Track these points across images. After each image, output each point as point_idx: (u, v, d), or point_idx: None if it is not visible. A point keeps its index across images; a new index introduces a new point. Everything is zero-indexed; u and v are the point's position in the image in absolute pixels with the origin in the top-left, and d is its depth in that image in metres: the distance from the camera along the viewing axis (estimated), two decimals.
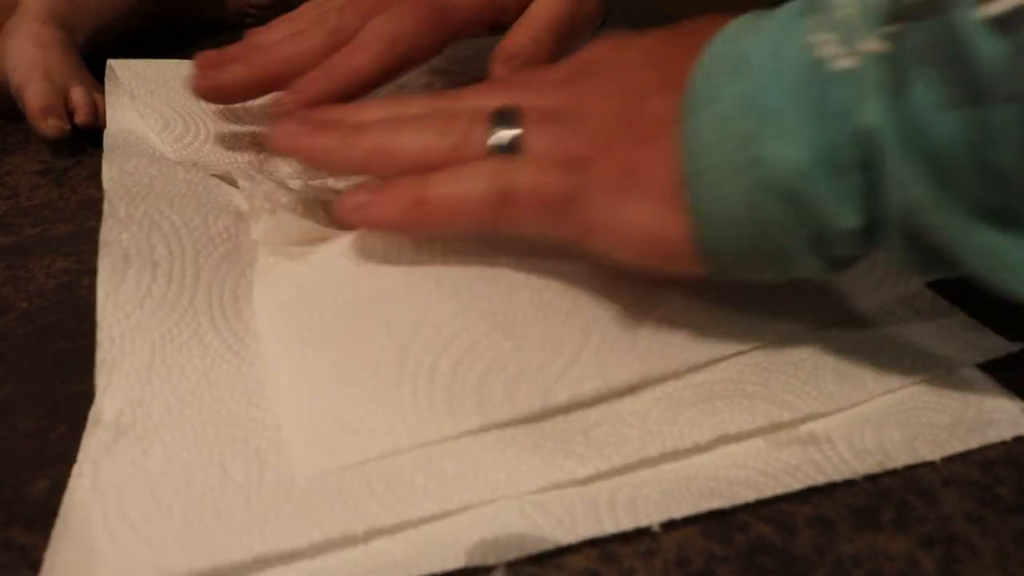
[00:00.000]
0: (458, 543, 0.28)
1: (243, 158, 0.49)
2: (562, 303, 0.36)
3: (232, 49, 0.48)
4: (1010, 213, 0.27)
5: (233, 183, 0.45)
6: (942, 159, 0.27)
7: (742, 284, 0.34)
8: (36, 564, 0.28)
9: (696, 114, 0.30)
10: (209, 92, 0.46)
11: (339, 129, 0.37)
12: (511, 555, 0.28)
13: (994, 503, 0.31)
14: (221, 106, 0.52)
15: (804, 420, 0.34)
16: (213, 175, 0.46)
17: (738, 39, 0.31)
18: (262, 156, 0.49)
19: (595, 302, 0.36)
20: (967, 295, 0.39)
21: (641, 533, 0.29)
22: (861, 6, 0.29)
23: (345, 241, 0.38)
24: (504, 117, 0.35)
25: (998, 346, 0.38)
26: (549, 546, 0.29)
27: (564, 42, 0.45)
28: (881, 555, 0.29)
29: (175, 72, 0.55)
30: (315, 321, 0.36)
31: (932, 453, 0.33)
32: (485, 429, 0.32)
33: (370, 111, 0.39)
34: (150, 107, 0.52)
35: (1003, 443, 0.33)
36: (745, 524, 0.30)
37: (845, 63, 0.28)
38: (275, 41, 0.47)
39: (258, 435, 0.32)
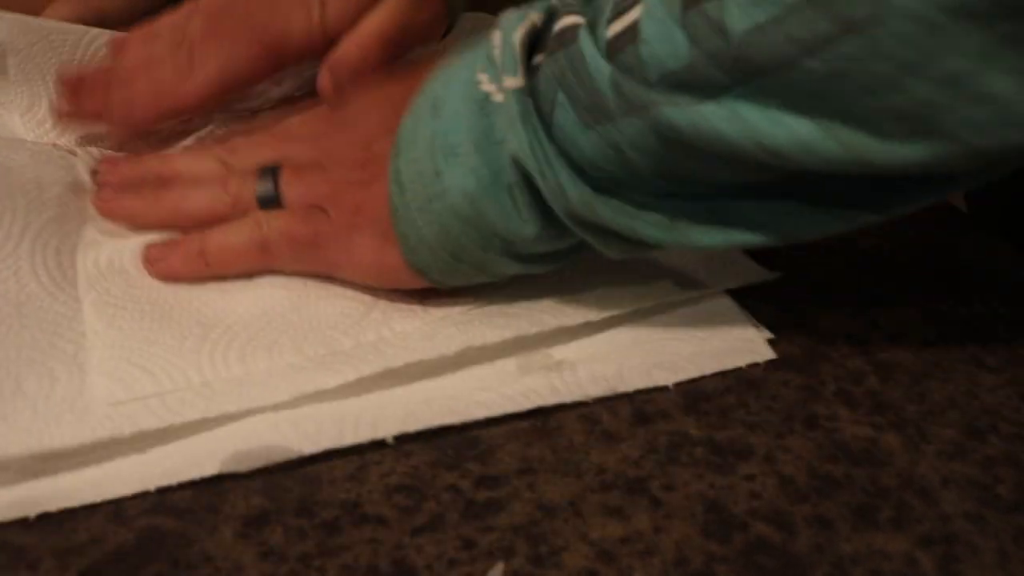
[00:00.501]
0: (215, 454, 0.32)
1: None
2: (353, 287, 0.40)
3: (92, 76, 0.49)
4: (661, 192, 0.32)
5: (74, 153, 0.48)
6: (593, 167, 0.32)
7: None
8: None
9: (400, 155, 0.35)
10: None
11: (143, 192, 0.43)
12: (259, 463, 0.32)
13: (994, 502, 0.31)
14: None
15: (552, 341, 0.37)
16: (61, 147, 0.49)
17: (440, 79, 0.35)
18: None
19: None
20: None
21: (640, 533, 0.29)
22: (506, 45, 0.33)
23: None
24: (266, 173, 0.40)
25: (755, 273, 0.41)
26: (294, 455, 0.32)
27: (393, 53, 0.46)
28: (880, 555, 0.29)
29: (60, 38, 0.53)
30: (133, 294, 0.39)
31: (667, 379, 0.36)
32: (273, 372, 0.35)
33: (176, 163, 0.45)
34: (23, 77, 0.52)
35: (1003, 442, 0.33)
36: (744, 524, 0.30)
37: (498, 98, 0.33)
38: (134, 70, 0.48)
39: (55, 360, 0.35)
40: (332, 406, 0.34)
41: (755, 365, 0.37)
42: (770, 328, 0.39)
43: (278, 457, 0.32)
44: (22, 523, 0.30)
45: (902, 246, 0.46)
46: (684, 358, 0.37)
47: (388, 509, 0.31)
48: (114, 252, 0.42)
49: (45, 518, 0.30)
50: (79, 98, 0.48)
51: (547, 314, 0.38)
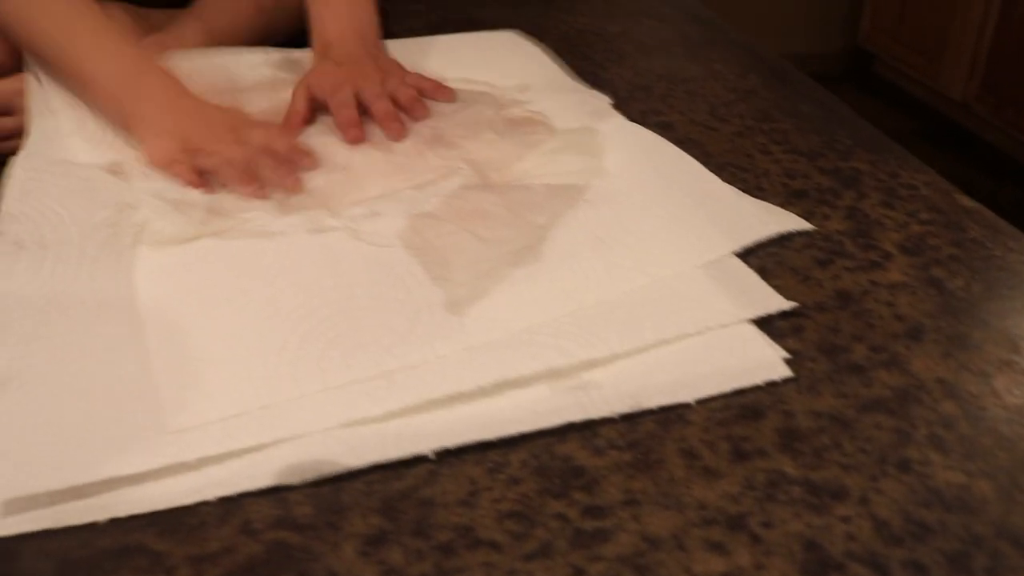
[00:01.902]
0: (269, 467, 0.34)
1: (137, 160, 0.55)
2: (395, 294, 0.43)
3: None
4: None
5: (121, 174, 0.53)
6: None
7: (563, 277, 0.44)
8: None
9: None
10: None
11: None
12: (310, 476, 0.34)
13: None
14: None
15: (582, 367, 0.39)
16: (107, 171, 0.53)
17: None
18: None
19: (422, 293, 0.43)
20: (773, 271, 0.47)
21: (742, 569, 0.31)
22: None
23: (211, 243, 0.47)
24: None
25: (775, 303, 0.43)
26: (340, 469, 0.34)
27: None
28: None
29: None
30: (186, 310, 0.43)
31: (690, 396, 0.38)
32: (324, 391, 0.38)
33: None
34: (68, 104, 0.58)
35: None
36: (841, 565, 0.31)
37: None
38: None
39: (119, 384, 0.38)
40: (376, 424, 0.36)
41: (848, 407, 0.38)
42: (861, 370, 0.40)
43: (327, 471, 0.34)
44: (159, 530, 0.33)
45: (989, 287, 0.46)
46: (705, 377, 0.39)
47: (500, 534, 0.32)
48: (166, 272, 0.45)
49: (179, 526, 0.33)
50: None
51: (575, 344, 0.40)
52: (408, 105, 0.60)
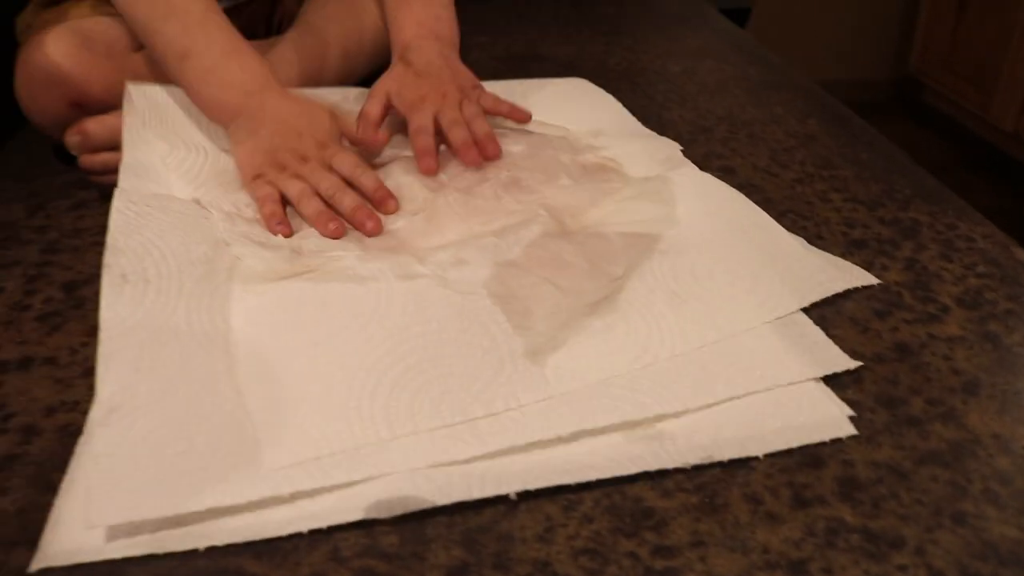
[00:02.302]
0: (359, 503, 0.37)
1: (228, 195, 0.59)
2: (481, 341, 0.45)
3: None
4: None
5: (213, 210, 0.56)
6: None
7: (638, 329, 0.46)
8: None
9: None
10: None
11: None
12: (397, 512, 0.36)
13: None
14: (222, 137, 0.63)
15: (656, 419, 0.41)
16: (201, 206, 0.57)
17: None
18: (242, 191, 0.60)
19: (507, 343, 0.45)
20: (833, 320, 0.49)
21: None
22: None
23: (303, 284, 0.50)
24: None
25: (841, 362, 0.45)
26: (427, 506, 0.37)
27: None
28: None
29: (185, 97, 0.64)
30: (279, 348, 0.45)
31: (758, 450, 0.40)
32: (416, 434, 0.40)
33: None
34: (159, 132, 0.62)
35: None
36: None
37: None
38: None
39: (217, 417, 0.40)
40: (461, 465, 0.39)
41: (905, 458, 0.40)
42: (918, 422, 0.42)
43: (414, 507, 0.37)
44: (255, 552, 0.35)
45: None
46: (773, 432, 0.41)
47: (575, 570, 0.35)
48: (260, 309, 0.48)
49: (272, 551, 0.35)
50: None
51: (650, 397, 0.42)
52: (483, 140, 0.62)
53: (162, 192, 0.58)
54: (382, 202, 0.58)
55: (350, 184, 0.58)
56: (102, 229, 0.61)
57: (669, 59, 0.91)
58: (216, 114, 0.62)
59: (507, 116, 0.65)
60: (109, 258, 0.50)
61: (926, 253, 0.56)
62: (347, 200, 0.56)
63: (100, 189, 0.65)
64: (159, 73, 0.68)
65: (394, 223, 0.56)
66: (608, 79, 0.83)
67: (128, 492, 0.36)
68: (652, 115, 0.74)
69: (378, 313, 0.48)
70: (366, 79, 0.76)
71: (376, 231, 0.55)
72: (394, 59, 0.69)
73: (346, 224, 0.56)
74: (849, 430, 0.41)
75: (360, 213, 0.56)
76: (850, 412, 0.42)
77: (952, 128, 3.15)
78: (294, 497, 0.37)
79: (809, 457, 0.40)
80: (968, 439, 0.41)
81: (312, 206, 0.56)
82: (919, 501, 0.38)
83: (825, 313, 0.49)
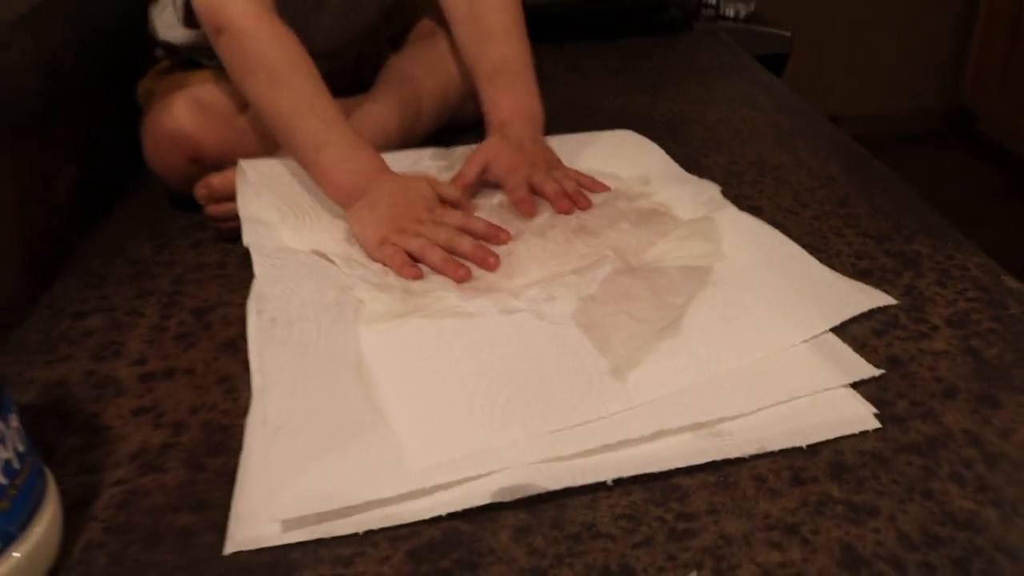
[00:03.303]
0: (487, 490, 0.46)
1: (339, 247, 0.70)
2: (574, 363, 0.56)
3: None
4: None
5: (333, 262, 0.66)
6: None
7: (699, 349, 0.56)
8: None
9: None
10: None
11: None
12: (518, 496, 0.46)
13: None
14: (324, 200, 0.74)
15: (718, 421, 0.51)
16: (321, 257, 0.67)
17: None
18: (351, 244, 0.71)
19: (594, 363, 0.55)
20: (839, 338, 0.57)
21: (793, 561, 0.42)
22: None
23: (419, 321, 0.60)
24: None
25: (866, 371, 0.55)
26: (540, 491, 0.46)
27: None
28: None
29: (290, 168, 0.76)
30: (407, 374, 0.56)
31: (803, 441, 0.50)
32: (530, 438, 0.50)
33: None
34: (268, 198, 0.73)
35: None
36: (869, 562, 0.42)
37: None
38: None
39: (365, 430, 0.50)
40: (566, 460, 0.48)
41: (887, 448, 0.49)
42: (901, 420, 0.51)
43: (530, 492, 0.46)
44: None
45: (1020, 356, 0.56)
46: (814, 427, 0.50)
47: (615, 529, 0.44)
48: (388, 343, 0.58)
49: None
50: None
51: (712, 404, 0.52)
52: (574, 194, 0.73)
53: (285, 246, 0.69)
54: (495, 237, 0.69)
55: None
56: (219, 264, 0.73)
57: (708, 108, 1.00)
58: (343, 196, 0.72)
59: (588, 187, 0.76)
60: (260, 304, 0.61)
61: (923, 280, 0.65)
62: (465, 244, 0.67)
63: (215, 230, 0.77)
64: (261, 133, 0.81)
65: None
66: (652, 128, 0.93)
67: (301, 492, 0.46)
68: (691, 161, 0.84)
69: (488, 342, 0.57)
70: (451, 125, 0.87)
71: (496, 265, 0.66)
72: (490, 133, 0.80)
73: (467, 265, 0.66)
74: (874, 424, 0.51)
75: (480, 252, 0.66)
76: (874, 410, 0.51)
77: (1006, 157, 3.18)
78: (434, 490, 0.47)
79: (808, 446, 0.49)
80: (942, 433, 0.50)
81: (437, 256, 0.66)
82: (895, 481, 0.47)
83: (834, 332, 0.59)
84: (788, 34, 1.40)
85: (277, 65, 0.73)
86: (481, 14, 0.85)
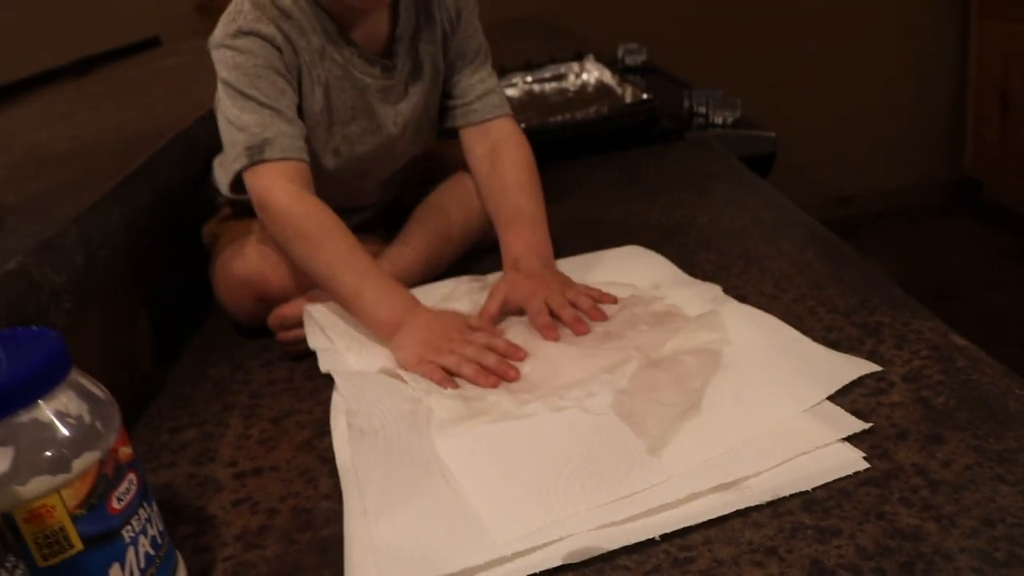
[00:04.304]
0: (558, 554, 0.57)
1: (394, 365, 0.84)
2: (617, 446, 0.66)
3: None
4: None
5: (402, 379, 0.80)
6: None
7: (717, 424, 0.67)
8: None
9: None
10: None
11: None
12: (584, 557, 0.56)
13: (993, 562, 0.52)
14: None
15: (740, 480, 0.62)
16: (391, 375, 0.81)
17: None
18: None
19: (634, 445, 0.67)
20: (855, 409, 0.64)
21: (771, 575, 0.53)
22: None
23: (482, 425, 0.72)
24: None
25: (857, 426, 0.66)
26: (602, 551, 0.56)
27: None
28: None
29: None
30: (480, 466, 0.67)
31: (807, 486, 0.60)
32: (588, 509, 0.61)
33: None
34: (334, 334, 0.88)
35: (1008, 529, 0.55)
36: (833, 571, 0.53)
37: None
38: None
39: (448, 514, 0.62)
40: (618, 525, 0.59)
41: (849, 483, 0.60)
42: (868, 460, 0.62)
43: (594, 553, 0.57)
44: None
45: (962, 402, 0.67)
46: (818, 473, 0.62)
47: (631, 562, 0.55)
48: (459, 444, 0.70)
49: None
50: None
51: (734, 468, 0.63)
52: (588, 311, 0.87)
53: (356, 369, 0.83)
54: (514, 354, 0.82)
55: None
56: (288, 379, 0.86)
57: (699, 212, 1.14)
58: (383, 331, 0.87)
59: (599, 300, 0.89)
60: (349, 419, 0.74)
61: (884, 345, 0.76)
62: (490, 359, 0.80)
63: (283, 352, 0.91)
64: None
65: (531, 374, 0.80)
66: (651, 233, 1.06)
67: (404, 565, 0.58)
68: (684, 260, 0.97)
69: (544, 436, 0.69)
70: (477, 247, 1.02)
71: (516, 378, 0.79)
72: (506, 269, 0.95)
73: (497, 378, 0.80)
74: (864, 465, 0.62)
75: (503, 366, 0.80)
76: (863, 454, 0.63)
77: (1016, 220, 3.28)
78: (514, 556, 0.58)
79: None
80: (895, 468, 0.61)
81: (469, 369, 0.79)
82: (855, 507, 0.58)
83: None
84: (772, 135, 1.54)
85: (312, 234, 0.88)
86: (501, 172, 1.01)
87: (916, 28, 3.54)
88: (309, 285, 0.94)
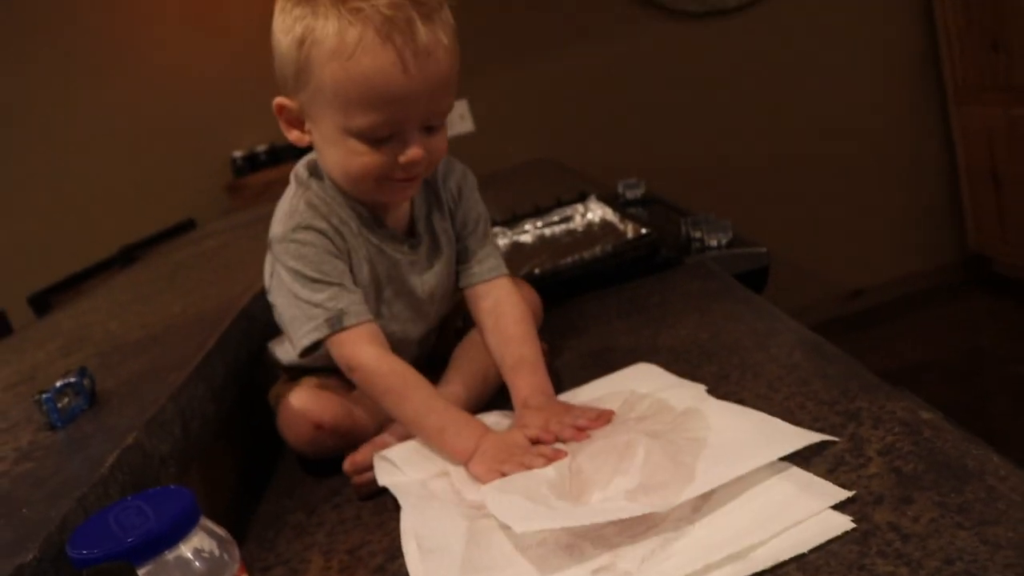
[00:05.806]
0: None
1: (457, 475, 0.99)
2: (640, 529, 0.79)
3: None
4: None
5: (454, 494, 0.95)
6: None
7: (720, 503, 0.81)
8: None
9: None
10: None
11: None
12: None
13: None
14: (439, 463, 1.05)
15: (747, 550, 0.73)
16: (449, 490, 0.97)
17: None
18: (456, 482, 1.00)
19: (647, 519, 0.80)
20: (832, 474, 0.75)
21: None
22: None
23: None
24: None
25: (841, 495, 0.78)
26: None
27: None
28: None
29: (408, 449, 1.07)
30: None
31: (804, 548, 0.72)
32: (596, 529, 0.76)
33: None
34: (407, 466, 1.03)
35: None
36: None
37: None
38: None
39: None
40: None
41: (837, 545, 0.72)
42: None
43: None
44: None
45: (929, 467, 0.79)
46: (808, 538, 0.74)
47: None
48: (506, 544, 0.83)
49: None
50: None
51: (741, 538, 0.75)
52: (587, 425, 1.02)
53: (420, 490, 0.98)
54: (554, 456, 0.96)
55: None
56: (356, 517, 1.00)
57: (700, 329, 1.28)
58: (464, 457, 1.02)
59: (598, 418, 1.04)
60: (420, 541, 0.88)
61: (862, 427, 0.89)
62: (538, 460, 0.96)
63: (356, 493, 1.04)
64: (367, 405, 1.11)
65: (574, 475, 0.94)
66: (659, 354, 1.20)
67: None
68: (689, 374, 1.11)
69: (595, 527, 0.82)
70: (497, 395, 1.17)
71: (559, 456, 0.96)
72: (517, 408, 1.12)
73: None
74: (851, 526, 0.74)
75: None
76: (850, 517, 0.75)
77: None
78: None
79: None
80: (872, 527, 0.73)
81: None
82: (840, 562, 0.70)
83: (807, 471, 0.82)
84: (764, 250, 1.70)
85: (398, 389, 1.07)
86: (504, 326, 1.20)
87: (901, 119, 3.74)
88: (359, 416, 1.13)
